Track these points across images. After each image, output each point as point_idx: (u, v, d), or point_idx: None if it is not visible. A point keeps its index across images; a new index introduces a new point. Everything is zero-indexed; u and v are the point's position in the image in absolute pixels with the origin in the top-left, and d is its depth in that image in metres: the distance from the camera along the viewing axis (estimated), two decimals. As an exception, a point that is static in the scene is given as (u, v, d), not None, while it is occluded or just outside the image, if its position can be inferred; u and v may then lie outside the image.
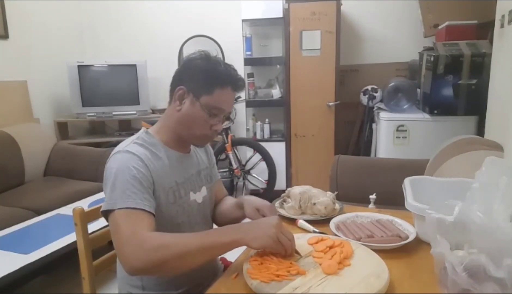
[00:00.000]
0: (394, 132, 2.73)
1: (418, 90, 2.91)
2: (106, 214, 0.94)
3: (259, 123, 3.48)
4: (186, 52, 3.20)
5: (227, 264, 1.27)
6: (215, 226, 1.24)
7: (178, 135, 1.08)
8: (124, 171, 0.94)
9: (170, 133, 1.08)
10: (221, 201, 1.29)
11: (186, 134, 1.07)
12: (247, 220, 1.06)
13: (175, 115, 1.06)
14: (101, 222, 1.28)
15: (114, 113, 3.44)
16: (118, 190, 0.92)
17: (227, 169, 3.39)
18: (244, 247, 0.98)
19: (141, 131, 1.09)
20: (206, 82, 1.02)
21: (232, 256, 1.03)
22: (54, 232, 1.94)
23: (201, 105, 1.02)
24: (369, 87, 3.21)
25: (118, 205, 0.90)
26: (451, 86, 2.53)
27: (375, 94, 3.17)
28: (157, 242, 0.85)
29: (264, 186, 3.38)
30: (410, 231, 1.07)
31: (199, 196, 1.13)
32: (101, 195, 2.49)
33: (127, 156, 0.97)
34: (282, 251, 0.89)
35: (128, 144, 1.02)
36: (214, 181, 1.24)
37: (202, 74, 1.02)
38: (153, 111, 3.67)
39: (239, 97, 3.34)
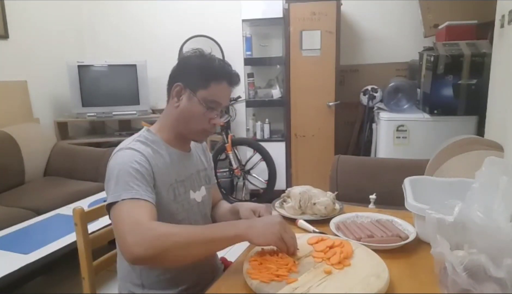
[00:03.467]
0: (394, 132, 2.72)
1: (418, 90, 2.91)
2: (110, 207, 0.94)
3: (259, 123, 3.47)
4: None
5: (227, 264, 1.27)
6: None
7: (178, 132, 1.10)
8: (127, 165, 0.96)
9: (170, 131, 1.10)
10: (216, 205, 1.31)
11: (186, 130, 1.09)
12: None
13: (174, 112, 1.07)
14: (101, 222, 1.29)
15: (114, 113, 3.44)
16: (122, 182, 0.93)
17: (227, 169, 3.39)
18: (244, 246, 0.99)
19: (143, 130, 1.11)
20: (202, 77, 1.04)
21: (232, 256, 1.03)
22: (54, 232, 1.94)
23: (198, 100, 1.04)
24: (369, 87, 3.21)
25: (122, 197, 0.91)
26: (451, 86, 2.52)
27: (375, 94, 3.17)
28: (160, 230, 0.86)
29: (264, 186, 3.38)
30: (410, 231, 1.07)
31: (198, 195, 1.14)
32: (101, 195, 2.49)
33: (129, 152, 0.99)
34: (285, 250, 0.90)
35: (130, 142, 1.04)
36: (212, 183, 1.26)
37: (197, 70, 1.05)
38: (153, 111, 3.66)
39: (239, 96, 3.34)
